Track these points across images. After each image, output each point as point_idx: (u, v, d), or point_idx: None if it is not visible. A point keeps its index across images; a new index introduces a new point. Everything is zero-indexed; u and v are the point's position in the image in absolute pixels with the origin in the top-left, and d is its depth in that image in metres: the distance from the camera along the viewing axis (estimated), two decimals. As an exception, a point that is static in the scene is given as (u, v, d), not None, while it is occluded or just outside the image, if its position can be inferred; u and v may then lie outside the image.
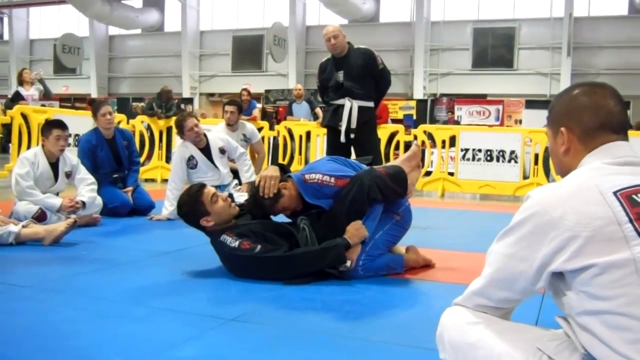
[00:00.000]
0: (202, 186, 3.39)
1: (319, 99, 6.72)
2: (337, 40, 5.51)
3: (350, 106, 5.51)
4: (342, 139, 5.52)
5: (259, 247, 3.12)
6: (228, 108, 7.26)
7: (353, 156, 5.62)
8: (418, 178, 3.73)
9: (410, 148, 3.96)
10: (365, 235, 3.23)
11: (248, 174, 5.93)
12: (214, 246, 3.31)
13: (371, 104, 5.64)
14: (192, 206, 3.33)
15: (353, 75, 5.53)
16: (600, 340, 1.30)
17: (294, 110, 11.51)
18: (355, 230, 3.20)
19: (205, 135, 5.77)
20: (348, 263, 3.19)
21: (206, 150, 5.74)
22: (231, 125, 7.30)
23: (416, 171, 3.67)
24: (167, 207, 5.36)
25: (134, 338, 2.21)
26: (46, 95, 10.27)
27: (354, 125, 5.47)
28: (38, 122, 7.64)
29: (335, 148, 5.60)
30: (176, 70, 24.00)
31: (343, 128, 5.53)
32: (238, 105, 7.36)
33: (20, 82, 10.07)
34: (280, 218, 3.60)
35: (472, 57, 20.92)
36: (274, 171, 3.44)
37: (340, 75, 5.56)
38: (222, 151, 5.82)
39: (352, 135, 5.54)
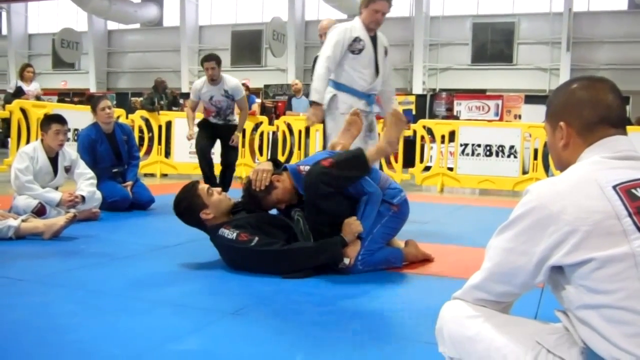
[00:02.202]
0: (196, 182, 3.44)
1: None
2: None
3: None
4: None
5: (256, 239, 3.14)
6: (208, 65, 6.64)
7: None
8: (381, 152, 3.57)
9: (346, 118, 4.03)
10: (360, 231, 3.23)
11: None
12: (213, 242, 3.33)
13: None
14: (190, 201, 3.35)
15: None
16: (599, 334, 1.30)
17: (293, 105, 11.51)
18: (349, 227, 3.22)
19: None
20: (347, 260, 3.20)
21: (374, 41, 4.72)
22: (214, 80, 6.70)
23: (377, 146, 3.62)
24: (319, 88, 4.49)
25: (134, 331, 2.22)
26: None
27: None
28: (37, 116, 7.63)
29: None
30: (175, 65, 23.97)
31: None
32: (217, 59, 6.74)
33: (22, 77, 10.05)
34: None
35: (472, 52, 20.91)
36: (267, 165, 3.48)
37: None
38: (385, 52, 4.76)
39: None
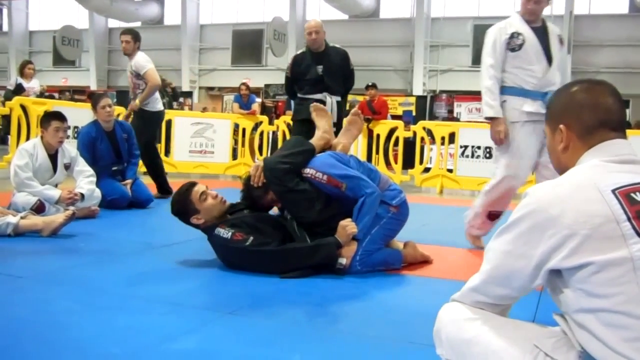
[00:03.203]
0: (192, 185, 3.41)
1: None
2: (319, 35, 5.88)
3: (331, 102, 5.77)
4: None
5: (251, 238, 3.14)
6: (123, 37, 6.57)
7: None
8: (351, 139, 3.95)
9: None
10: (354, 232, 3.23)
11: None
12: (210, 241, 3.33)
13: (340, 99, 5.98)
14: (182, 205, 3.36)
15: (332, 71, 5.84)
16: (597, 338, 1.30)
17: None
18: (343, 229, 3.22)
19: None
20: (343, 261, 3.21)
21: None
22: (128, 55, 6.62)
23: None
24: (490, 102, 3.99)
25: (132, 330, 2.22)
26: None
27: (335, 120, 5.64)
28: (37, 113, 7.62)
29: None
30: (176, 64, 23.93)
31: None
32: (133, 34, 6.66)
33: (22, 73, 10.04)
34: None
35: (472, 54, 20.84)
36: None
37: (320, 70, 5.83)
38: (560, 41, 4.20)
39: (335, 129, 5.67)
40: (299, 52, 6.10)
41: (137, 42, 6.58)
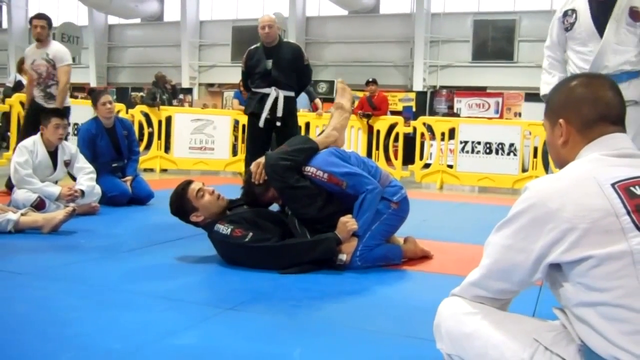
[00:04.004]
0: (188, 183, 3.40)
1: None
2: (271, 30, 5.88)
3: (276, 96, 5.80)
4: (261, 123, 5.78)
5: (250, 234, 3.14)
6: (37, 22, 6.26)
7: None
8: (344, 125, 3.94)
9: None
10: (354, 229, 3.23)
11: None
12: (210, 238, 3.33)
13: (293, 94, 6.01)
14: (179, 203, 3.36)
15: (282, 65, 5.87)
16: (596, 331, 1.30)
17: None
18: (343, 225, 3.22)
19: None
20: (344, 257, 3.21)
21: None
22: (40, 42, 6.30)
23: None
24: (548, 79, 3.67)
25: (133, 326, 2.22)
26: None
27: (280, 113, 5.77)
28: (37, 110, 7.61)
29: (256, 135, 5.93)
30: (175, 60, 23.93)
31: (264, 115, 5.78)
32: (48, 20, 6.39)
33: (20, 70, 10.02)
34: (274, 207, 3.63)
35: (472, 50, 20.86)
36: None
37: (269, 64, 5.87)
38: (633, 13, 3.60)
39: (278, 124, 5.82)
40: (252, 46, 6.13)
41: (51, 29, 6.43)
